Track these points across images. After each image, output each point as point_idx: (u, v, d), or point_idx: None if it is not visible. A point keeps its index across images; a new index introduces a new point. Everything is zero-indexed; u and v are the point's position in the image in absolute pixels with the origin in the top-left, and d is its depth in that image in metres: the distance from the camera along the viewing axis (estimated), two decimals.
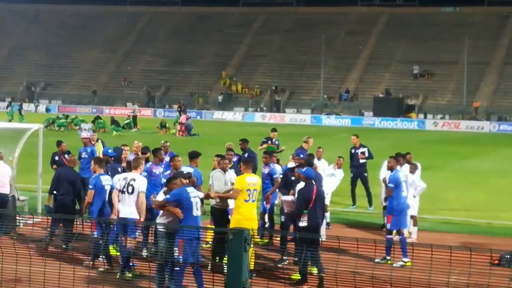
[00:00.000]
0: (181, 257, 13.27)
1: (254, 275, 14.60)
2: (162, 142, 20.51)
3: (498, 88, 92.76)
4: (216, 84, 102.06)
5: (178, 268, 13.37)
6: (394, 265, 16.27)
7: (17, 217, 19.18)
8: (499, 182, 33.00)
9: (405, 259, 16.76)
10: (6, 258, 11.10)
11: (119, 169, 17.04)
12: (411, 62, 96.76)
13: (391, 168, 17.84)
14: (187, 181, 14.33)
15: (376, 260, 16.45)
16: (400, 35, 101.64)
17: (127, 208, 15.07)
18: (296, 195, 15.90)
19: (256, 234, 15.32)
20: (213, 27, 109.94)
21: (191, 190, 13.99)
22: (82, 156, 21.11)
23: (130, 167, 16.41)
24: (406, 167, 19.45)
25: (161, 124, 61.22)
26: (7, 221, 18.29)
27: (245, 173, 15.43)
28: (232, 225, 15.15)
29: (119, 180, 15.38)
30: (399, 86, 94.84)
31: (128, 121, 63.84)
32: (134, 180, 15.23)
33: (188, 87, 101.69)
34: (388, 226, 17.22)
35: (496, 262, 16.34)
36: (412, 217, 19.42)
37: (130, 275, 14.56)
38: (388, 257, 16.86)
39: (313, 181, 15.44)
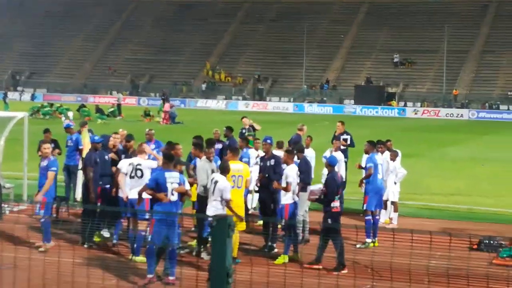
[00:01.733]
0: (149, 236, 13.58)
1: (239, 260, 14.89)
2: (147, 130, 20.45)
3: (477, 76, 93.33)
4: (199, 72, 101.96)
5: (148, 247, 13.69)
6: (357, 246, 16.70)
7: (2, 204, 19.37)
8: (479, 169, 33.42)
9: (368, 240, 17.19)
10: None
11: (106, 157, 17.13)
12: (391, 51, 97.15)
13: (367, 152, 18.35)
14: (179, 167, 14.68)
15: (358, 246, 16.80)
16: (381, 24, 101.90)
17: (135, 191, 15.41)
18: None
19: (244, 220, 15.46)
20: (198, 16, 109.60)
21: (170, 175, 14.01)
22: (68, 144, 21.25)
23: (122, 154, 16.83)
24: (387, 154, 19.75)
25: (145, 113, 61.37)
26: None
27: (230, 161, 15.67)
28: None
29: (127, 165, 15.88)
30: (380, 74, 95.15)
31: (112, 109, 64.02)
32: (140, 164, 15.74)
33: (173, 75, 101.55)
34: (365, 206, 17.70)
35: (475, 246, 16.70)
36: (393, 203, 19.76)
37: (142, 258, 14.63)
38: (369, 240, 17.21)
39: (335, 168, 15.86)
